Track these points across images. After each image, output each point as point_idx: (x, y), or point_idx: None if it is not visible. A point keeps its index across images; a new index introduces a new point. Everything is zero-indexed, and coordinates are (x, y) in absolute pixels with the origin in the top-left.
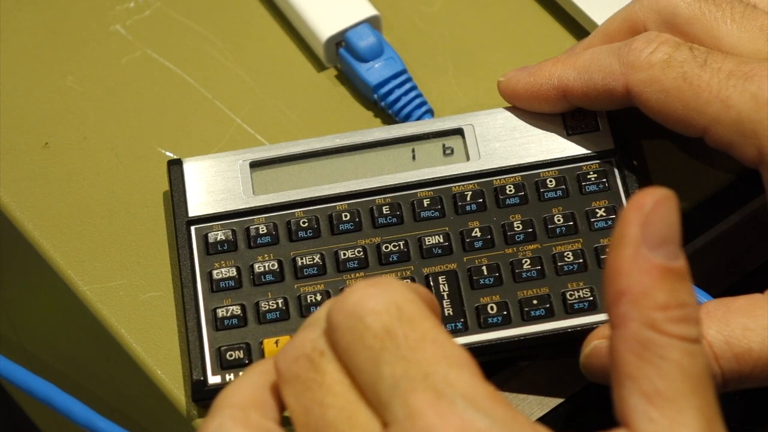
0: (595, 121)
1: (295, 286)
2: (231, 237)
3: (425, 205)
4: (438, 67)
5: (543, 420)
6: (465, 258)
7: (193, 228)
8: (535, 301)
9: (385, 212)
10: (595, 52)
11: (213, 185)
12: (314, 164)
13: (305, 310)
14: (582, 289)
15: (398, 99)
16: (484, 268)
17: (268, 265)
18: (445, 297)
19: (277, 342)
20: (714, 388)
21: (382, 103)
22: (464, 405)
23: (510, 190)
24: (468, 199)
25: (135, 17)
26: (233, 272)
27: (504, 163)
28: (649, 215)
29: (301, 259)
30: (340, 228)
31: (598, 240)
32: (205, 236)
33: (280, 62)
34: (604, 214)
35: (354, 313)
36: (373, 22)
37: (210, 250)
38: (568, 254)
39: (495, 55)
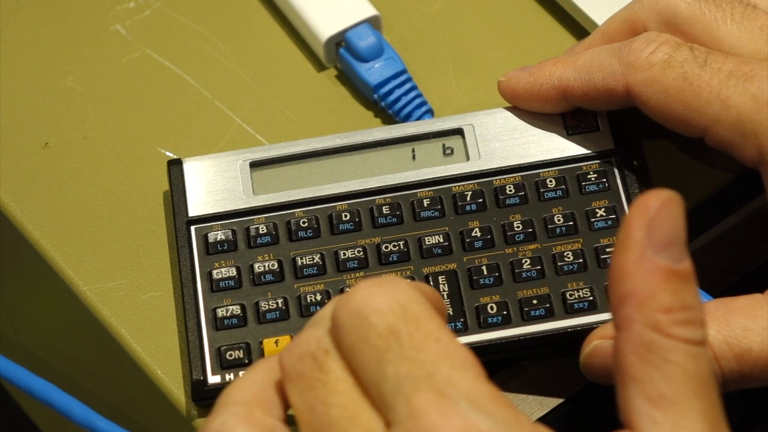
0: (595, 121)
1: (295, 286)
2: (231, 237)
3: (425, 205)
4: (438, 67)
5: (543, 420)
6: (465, 258)
7: (193, 228)
8: (535, 301)
9: (385, 212)
10: (595, 53)
11: (213, 185)
12: (314, 164)
13: (305, 310)
14: (582, 289)
15: (398, 99)
16: (484, 267)
17: (268, 265)
18: (445, 297)
19: (276, 342)
20: (718, 390)
21: (382, 103)
22: (467, 406)
23: (510, 190)
24: (468, 199)
25: (135, 17)
26: (233, 272)
27: (504, 163)
28: (654, 218)
29: (301, 259)
30: (340, 228)
31: (598, 240)
32: (205, 236)
33: (280, 62)
34: (604, 214)
35: (359, 312)
36: (373, 22)
37: (210, 249)
38: (568, 254)
39: (495, 55)
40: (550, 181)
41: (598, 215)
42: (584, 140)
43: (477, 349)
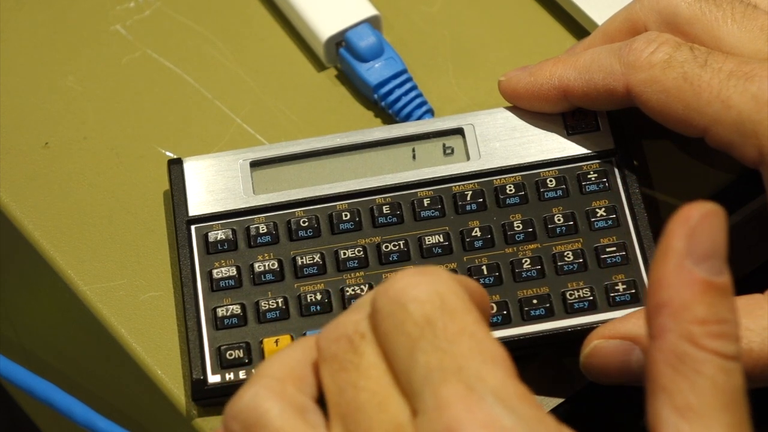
0: (596, 121)
1: (295, 285)
2: (231, 236)
3: (425, 205)
4: (438, 67)
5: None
6: (465, 257)
7: (193, 227)
8: (534, 301)
9: (385, 212)
10: (595, 52)
11: (213, 185)
12: (314, 164)
13: (305, 309)
14: (582, 288)
15: (398, 99)
16: (484, 267)
17: (268, 265)
18: None
19: (277, 341)
20: (747, 406)
21: (383, 103)
22: (493, 401)
23: (510, 190)
24: (468, 198)
25: (135, 17)
26: (233, 271)
27: (504, 162)
28: (696, 228)
29: (301, 258)
30: (340, 227)
31: (598, 240)
32: (206, 235)
33: (280, 62)
34: (605, 214)
35: (397, 299)
36: (373, 22)
37: (210, 249)
38: (568, 254)
39: (495, 55)
40: (551, 181)
41: (598, 215)
42: (584, 140)
43: None
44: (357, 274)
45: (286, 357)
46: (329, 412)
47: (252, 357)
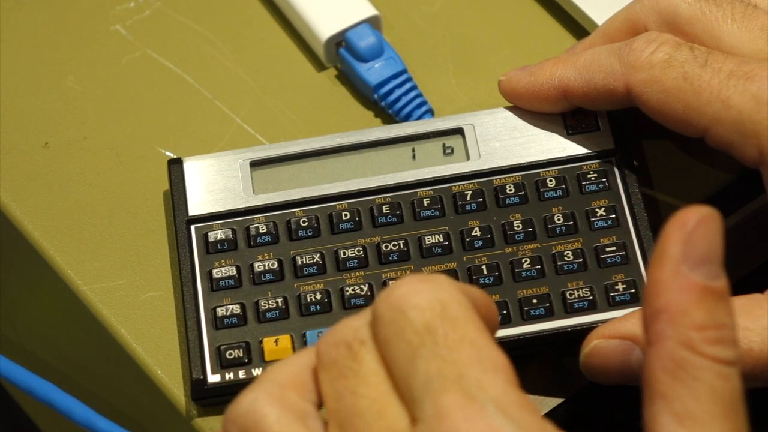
0: (596, 120)
1: (295, 285)
2: (231, 236)
3: (425, 205)
4: (438, 67)
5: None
6: (465, 257)
7: (193, 227)
8: (534, 301)
9: (385, 211)
10: (595, 52)
11: (213, 184)
12: (314, 163)
13: (305, 309)
14: (582, 288)
15: (398, 99)
16: (483, 267)
17: (268, 264)
18: None
19: (276, 341)
20: (745, 412)
21: (382, 103)
22: (493, 410)
23: (510, 190)
24: (468, 198)
25: (135, 17)
26: (233, 271)
27: (504, 162)
28: (692, 233)
29: (301, 258)
30: (340, 227)
31: (598, 240)
32: (205, 235)
33: (280, 62)
34: (604, 214)
35: (398, 306)
36: (373, 22)
37: (210, 249)
38: (567, 254)
39: (495, 55)
40: (550, 181)
41: (598, 215)
42: (584, 140)
43: None
44: (357, 273)
45: (290, 363)
46: (328, 418)
47: (252, 357)
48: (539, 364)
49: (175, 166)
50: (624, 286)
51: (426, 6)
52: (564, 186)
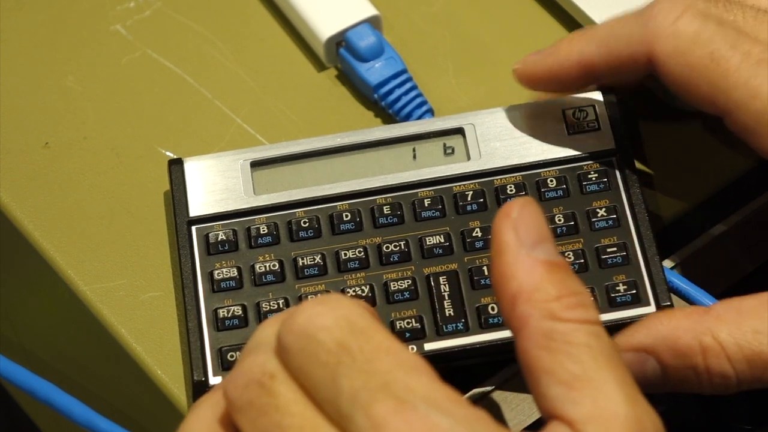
0: (596, 120)
1: (296, 286)
2: (232, 237)
3: (426, 205)
4: (438, 67)
5: (543, 420)
6: (466, 258)
7: (194, 228)
8: None
9: (385, 212)
10: (613, 21)
11: (214, 185)
12: (315, 164)
13: None
14: None
15: (398, 99)
16: (485, 267)
17: (269, 265)
18: (446, 297)
19: None
20: (624, 361)
21: (383, 103)
22: (426, 408)
23: (511, 190)
24: (469, 198)
25: (135, 17)
26: (234, 272)
27: (505, 162)
28: (518, 220)
29: (302, 259)
30: (341, 228)
31: (598, 240)
32: (206, 236)
33: (280, 62)
34: (605, 214)
35: (305, 332)
36: (373, 22)
37: (211, 250)
38: (568, 254)
39: (495, 55)
40: (551, 181)
41: (598, 215)
42: (585, 140)
43: (478, 349)
44: (358, 274)
45: (195, 422)
46: None
47: None
48: None
49: (176, 167)
50: (625, 286)
51: (426, 6)
52: (565, 186)
